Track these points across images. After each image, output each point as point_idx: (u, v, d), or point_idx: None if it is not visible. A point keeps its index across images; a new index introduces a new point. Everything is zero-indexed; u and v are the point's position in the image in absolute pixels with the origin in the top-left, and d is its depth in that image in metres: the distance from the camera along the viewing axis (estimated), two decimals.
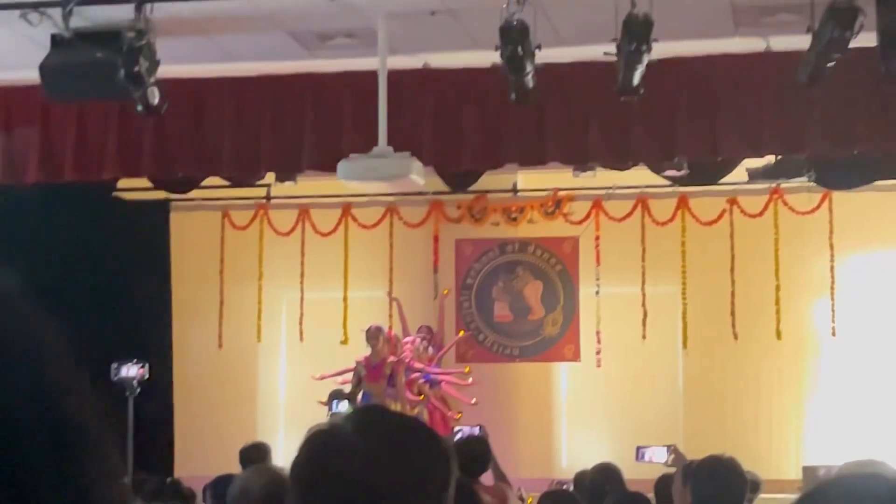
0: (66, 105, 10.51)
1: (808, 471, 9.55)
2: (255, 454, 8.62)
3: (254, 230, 15.09)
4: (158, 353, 14.21)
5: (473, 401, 13.87)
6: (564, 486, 8.94)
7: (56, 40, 9.08)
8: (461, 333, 14.74)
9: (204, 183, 13.17)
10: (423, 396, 13.62)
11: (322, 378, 13.38)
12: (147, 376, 12.42)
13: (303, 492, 1.91)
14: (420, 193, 13.74)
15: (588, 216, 14.57)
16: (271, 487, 3.64)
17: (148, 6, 9.01)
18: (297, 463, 1.93)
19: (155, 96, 9.47)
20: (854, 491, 1.75)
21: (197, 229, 15.32)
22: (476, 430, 10.17)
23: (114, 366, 12.18)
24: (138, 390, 12.33)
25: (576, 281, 14.85)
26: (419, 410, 13.31)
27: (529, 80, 9.43)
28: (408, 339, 13.77)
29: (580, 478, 8.70)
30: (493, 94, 10.24)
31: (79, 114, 10.93)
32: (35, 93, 10.09)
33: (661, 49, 8.97)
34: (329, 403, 12.36)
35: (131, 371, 12.28)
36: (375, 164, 9.10)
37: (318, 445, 1.92)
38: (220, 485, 5.28)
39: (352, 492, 1.86)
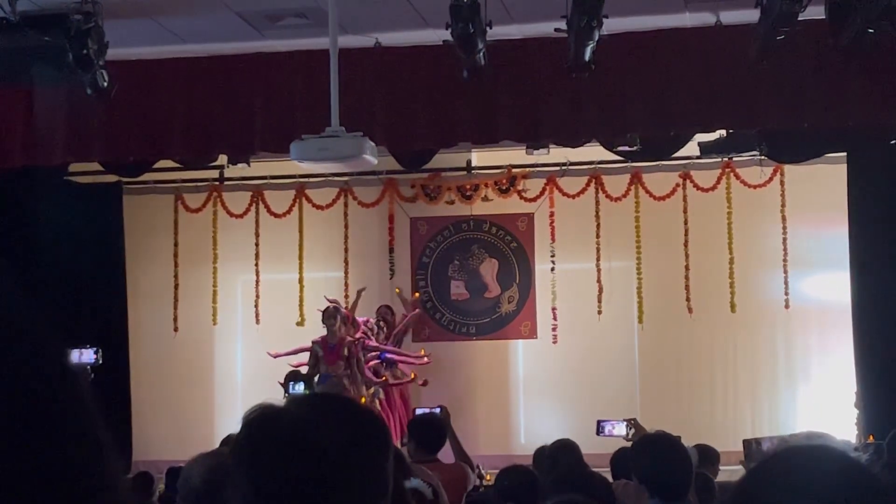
0: (14, 90, 10.41)
1: (748, 444, 9.44)
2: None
3: (207, 213, 15.03)
4: (113, 338, 14.14)
5: (422, 382, 13.96)
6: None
7: (3, 25, 8.98)
8: (416, 295, 14.78)
9: (156, 166, 13.09)
10: (384, 377, 13.64)
11: (276, 356, 13.37)
12: (101, 362, 12.36)
13: (246, 468, 1.91)
14: (374, 173, 13.72)
15: (542, 193, 14.60)
16: (211, 475, 3.54)
17: None
18: (240, 439, 1.94)
19: (104, 79, 9.40)
20: (802, 465, 1.72)
21: (150, 213, 15.22)
22: (437, 411, 10.18)
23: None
24: (92, 376, 12.27)
25: (531, 258, 14.88)
26: (374, 391, 13.32)
27: (481, 58, 9.44)
28: (361, 319, 13.77)
29: (539, 454, 8.71)
30: (444, 73, 10.23)
31: (27, 98, 10.82)
32: None
33: (612, 25, 8.98)
34: (286, 385, 12.33)
35: (85, 357, 12.23)
36: (328, 144, 9.02)
37: (258, 421, 1.93)
38: (175, 473, 5.08)
39: (296, 458, 1.87)
